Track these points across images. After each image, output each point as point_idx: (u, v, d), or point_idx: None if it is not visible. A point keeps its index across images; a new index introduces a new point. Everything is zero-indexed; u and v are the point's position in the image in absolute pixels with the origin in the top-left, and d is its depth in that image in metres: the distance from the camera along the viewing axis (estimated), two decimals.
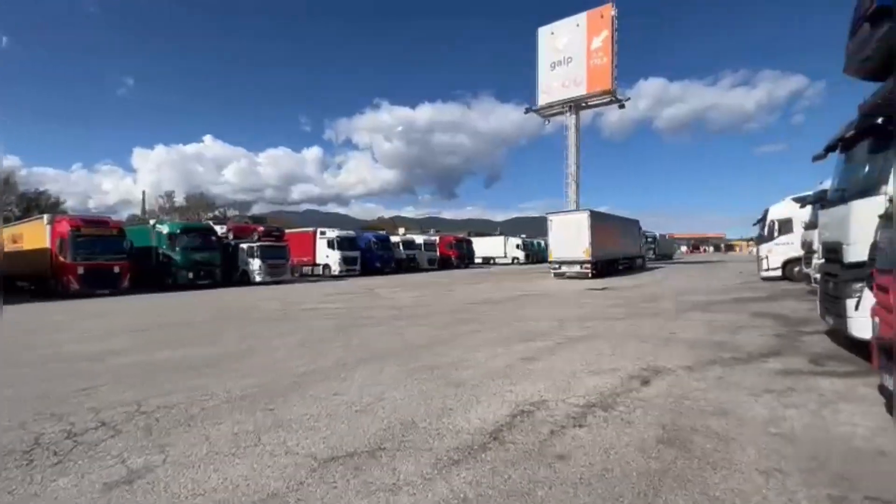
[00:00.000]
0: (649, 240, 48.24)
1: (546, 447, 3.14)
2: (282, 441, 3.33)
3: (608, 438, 3.25)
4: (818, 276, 12.20)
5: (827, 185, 12.41)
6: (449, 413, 3.85)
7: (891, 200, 4.99)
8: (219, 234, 24.73)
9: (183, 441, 3.38)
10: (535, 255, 50.40)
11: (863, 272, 5.28)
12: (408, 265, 36.42)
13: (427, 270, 37.42)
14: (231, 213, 67.43)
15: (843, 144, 6.06)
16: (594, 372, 5.05)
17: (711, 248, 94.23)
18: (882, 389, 4.10)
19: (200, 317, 11.20)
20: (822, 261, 6.75)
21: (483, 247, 53.88)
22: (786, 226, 17.91)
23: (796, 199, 17.95)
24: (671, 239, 65.79)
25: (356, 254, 31.02)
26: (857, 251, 5.32)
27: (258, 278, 23.64)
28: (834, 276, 5.95)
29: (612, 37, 31.74)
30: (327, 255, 30.17)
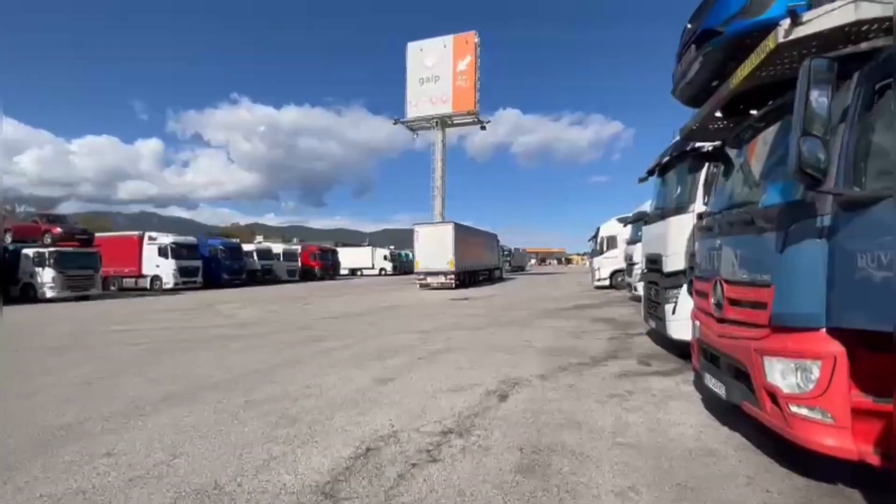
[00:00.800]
0: (506, 252, 52.53)
1: (392, 498, 2.52)
2: None
3: (464, 474, 2.79)
4: (638, 284, 14.36)
5: (644, 206, 14.75)
6: (272, 465, 2.97)
7: (699, 216, 5.83)
8: None
9: None
10: (403, 266, 50.56)
11: (679, 280, 6.05)
12: (263, 277, 32.85)
13: (287, 282, 34.32)
14: (23, 209, 52.57)
15: (661, 169, 6.97)
16: (453, 390, 4.66)
17: (555, 262, 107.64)
18: (698, 386, 4.55)
19: None
20: (645, 271, 7.69)
21: (350, 258, 52.04)
22: (612, 242, 20.93)
23: (620, 219, 21.20)
24: (524, 252, 72.97)
25: (197, 263, 26.70)
26: (673, 261, 6.06)
27: (50, 294, 18.39)
28: (655, 284, 6.75)
29: (475, 62, 33.96)
30: (158, 265, 25.27)
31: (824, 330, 2.41)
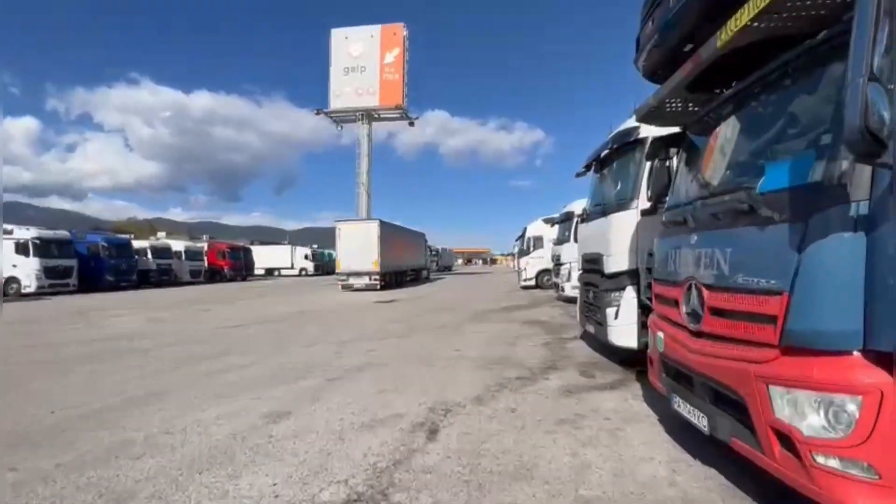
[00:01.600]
0: (433, 252, 52.06)
1: None
2: None
3: None
4: (565, 284, 14.36)
5: (572, 206, 14.84)
6: None
7: (644, 212, 5.41)
8: None
9: None
10: (326, 266, 47.81)
11: (622, 282, 5.60)
12: (159, 278, 28.82)
13: (189, 284, 30.50)
14: None
15: (599, 163, 6.55)
16: (368, 425, 3.65)
17: (481, 262, 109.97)
18: (651, 403, 4.01)
19: None
20: (581, 271, 7.27)
21: (266, 257, 48.15)
22: (538, 242, 21.13)
23: (546, 220, 21.48)
24: (451, 252, 73.26)
25: (70, 263, 22.49)
26: (616, 261, 5.58)
27: None
28: (594, 286, 6.30)
29: (404, 56, 32.87)
30: (14, 265, 20.82)
31: (860, 353, 1.81)
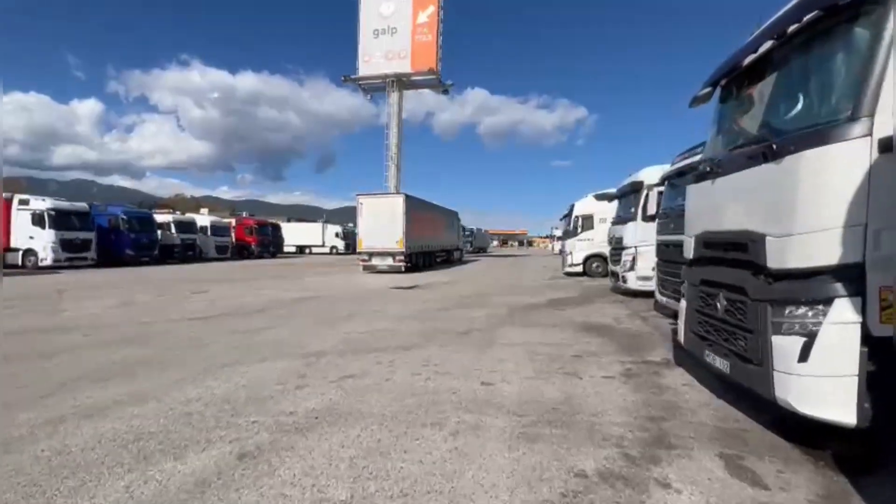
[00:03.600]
0: (467, 233, 49.46)
1: None
2: None
3: None
4: (627, 274, 11.48)
5: (641, 174, 11.80)
6: None
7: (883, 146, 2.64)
8: None
9: None
10: (356, 244, 46.38)
11: (822, 289, 2.81)
12: (184, 254, 27.96)
13: (215, 261, 29.61)
14: None
15: (752, 71, 3.71)
16: None
17: (517, 244, 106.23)
18: None
19: None
20: (692, 261, 4.64)
21: (298, 234, 47.30)
22: (587, 222, 18.04)
23: (599, 196, 18.29)
24: (486, 233, 70.30)
25: (88, 236, 21.61)
26: (807, 247, 2.81)
27: None
28: (738, 292, 3.54)
29: (438, 14, 29.71)
30: (32, 237, 20.10)
31: None
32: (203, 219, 32.31)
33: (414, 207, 20.71)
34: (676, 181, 8.07)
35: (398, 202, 19.27)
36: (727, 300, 3.54)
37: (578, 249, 18.20)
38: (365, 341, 5.94)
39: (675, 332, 6.01)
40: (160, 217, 27.86)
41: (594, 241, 17.69)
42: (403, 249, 18.96)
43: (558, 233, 25.49)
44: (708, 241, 3.98)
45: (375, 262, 19.45)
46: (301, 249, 47.38)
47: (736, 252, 3.46)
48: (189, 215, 31.86)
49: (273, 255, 37.58)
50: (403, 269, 19.18)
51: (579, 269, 18.13)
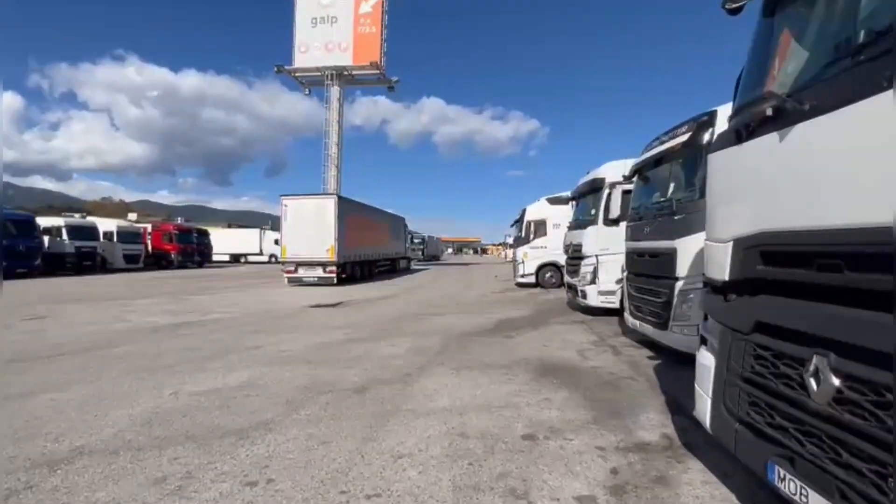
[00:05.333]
0: (417, 241, 47.32)
1: None
2: None
3: None
4: (587, 288, 9.75)
5: (601, 171, 10.17)
6: None
7: None
8: None
9: None
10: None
11: None
12: (79, 264, 23.74)
13: (123, 271, 25.55)
14: None
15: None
16: None
17: (471, 251, 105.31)
18: None
19: None
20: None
21: (232, 241, 43.20)
22: (540, 228, 16.47)
23: (550, 200, 16.82)
24: (440, 241, 68.42)
25: None
26: None
27: None
28: None
29: (383, 5, 27.63)
30: None
31: None
32: (107, 223, 27.93)
33: (349, 211, 18.31)
34: (651, 173, 6.37)
35: (329, 205, 16.77)
36: (842, 378, 1.62)
37: (531, 258, 16.56)
38: (189, 416, 3.59)
39: (659, 369, 4.18)
40: (47, 221, 23.49)
41: (548, 249, 16.13)
42: (335, 259, 16.47)
43: (511, 240, 24.11)
44: (776, 251, 2.06)
45: (302, 273, 16.81)
46: (236, 258, 43.25)
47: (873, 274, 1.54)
48: (89, 219, 27.40)
49: (200, 265, 33.52)
50: (335, 281, 16.68)
51: (532, 279, 16.48)
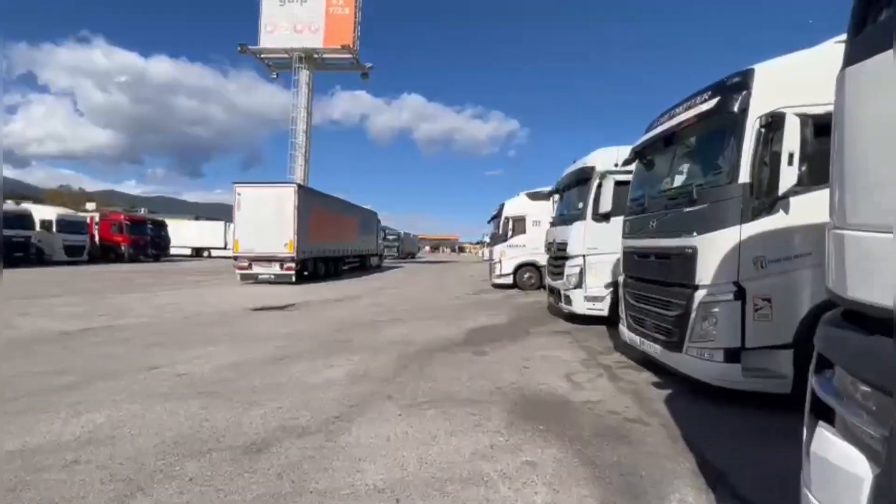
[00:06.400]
0: (392, 238, 45.70)
1: None
2: None
3: None
4: (573, 293, 8.50)
5: (590, 159, 8.96)
6: None
7: None
8: None
9: None
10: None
11: None
12: (9, 255, 21.26)
13: (62, 264, 23.18)
14: None
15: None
16: None
17: (448, 250, 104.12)
18: None
19: None
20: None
21: (194, 234, 40.56)
22: (519, 224, 15.30)
23: (530, 195, 15.67)
24: (416, 238, 66.81)
25: None
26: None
27: None
28: None
29: None
30: None
31: None
32: (47, 211, 25.33)
33: (313, 203, 16.72)
34: (659, 154, 5.18)
35: (288, 194, 15.13)
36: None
37: (509, 257, 15.38)
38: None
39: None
40: None
41: (527, 248, 14.98)
42: (294, 254, 14.86)
43: (488, 239, 23.07)
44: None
45: (258, 269, 15.13)
46: (198, 252, 40.65)
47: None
48: (23, 206, 24.71)
49: (156, 259, 31.09)
50: (294, 279, 15.09)
51: (509, 280, 15.31)
